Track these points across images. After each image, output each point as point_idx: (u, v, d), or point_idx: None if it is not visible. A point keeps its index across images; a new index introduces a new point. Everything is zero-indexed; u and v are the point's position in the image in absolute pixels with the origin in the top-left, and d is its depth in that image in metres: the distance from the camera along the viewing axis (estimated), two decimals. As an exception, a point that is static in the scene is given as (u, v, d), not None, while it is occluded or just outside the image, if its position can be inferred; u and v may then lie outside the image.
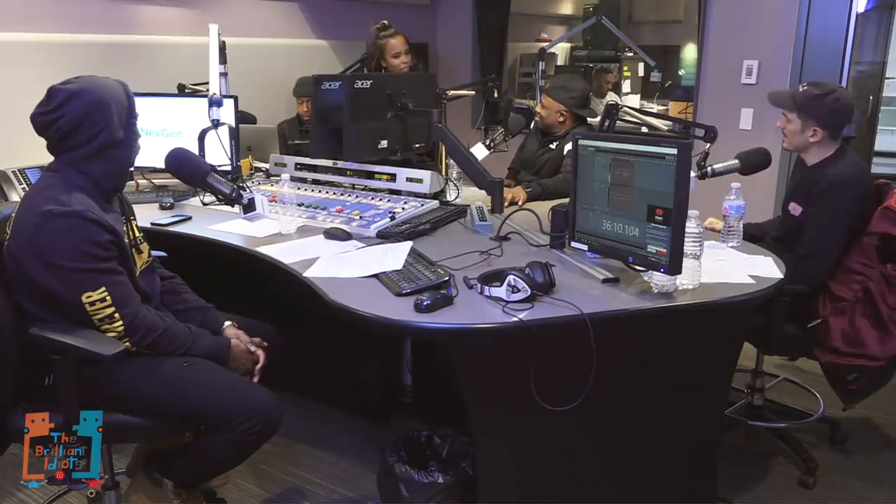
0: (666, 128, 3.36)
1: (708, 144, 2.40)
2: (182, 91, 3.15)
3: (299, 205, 2.47)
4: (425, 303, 1.59)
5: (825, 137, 2.26)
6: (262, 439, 1.74)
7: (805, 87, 2.27)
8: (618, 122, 2.50)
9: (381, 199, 2.54)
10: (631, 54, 5.34)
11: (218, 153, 2.53)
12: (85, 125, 1.64)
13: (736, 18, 3.83)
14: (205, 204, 2.67)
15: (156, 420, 1.72)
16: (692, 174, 1.85)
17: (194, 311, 1.95)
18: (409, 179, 2.57)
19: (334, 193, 2.65)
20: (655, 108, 5.01)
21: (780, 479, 2.36)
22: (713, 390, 1.97)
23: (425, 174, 2.55)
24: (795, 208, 2.33)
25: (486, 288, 1.67)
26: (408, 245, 2.03)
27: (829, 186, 2.20)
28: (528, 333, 1.56)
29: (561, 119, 3.09)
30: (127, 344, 1.65)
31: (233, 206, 2.21)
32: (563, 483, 1.88)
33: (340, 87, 2.54)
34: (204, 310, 1.96)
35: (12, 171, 2.63)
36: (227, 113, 2.62)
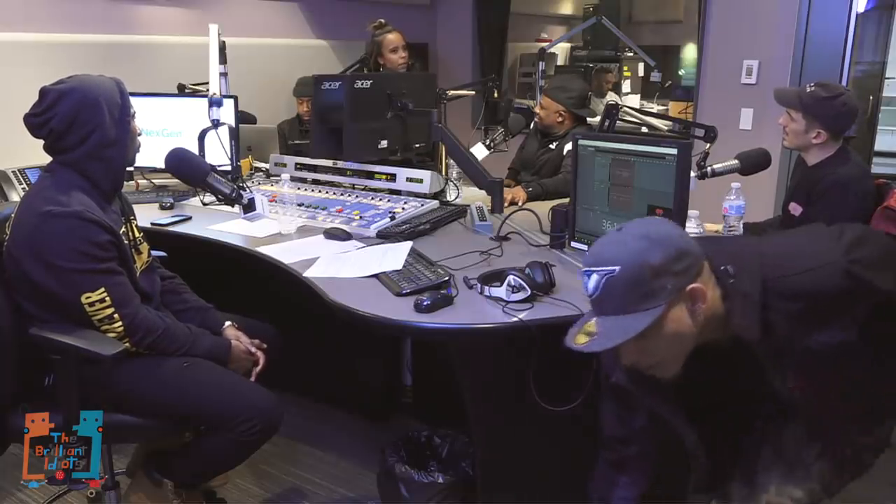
0: (666, 128, 3.36)
1: (708, 144, 2.40)
2: (182, 91, 3.15)
3: (299, 205, 2.47)
4: (425, 303, 1.59)
5: (828, 139, 2.26)
6: (262, 439, 1.74)
7: (812, 88, 2.25)
8: (618, 122, 2.50)
9: (381, 199, 2.54)
10: (631, 54, 5.34)
11: (218, 153, 2.53)
12: (77, 125, 1.64)
13: (736, 18, 3.83)
14: (205, 204, 2.67)
15: (156, 420, 1.72)
16: (692, 174, 1.85)
17: (194, 311, 1.95)
18: (409, 179, 2.57)
19: (334, 193, 2.65)
20: (655, 108, 5.01)
21: (780, 479, 2.36)
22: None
23: (425, 174, 2.55)
24: (796, 208, 2.33)
25: (486, 288, 1.67)
26: (408, 245, 2.03)
27: (831, 186, 2.20)
28: (528, 333, 1.56)
29: (560, 119, 3.09)
30: (127, 344, 1.65)
31: (233, 206, 2.21)
32: (562, 483, 1.88)
33: (340, 87, 2.54)
34: (204, 310, 1.96)
35: (12, 171, 2.63)
36: (227, 113, 2.63)
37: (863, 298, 1.13)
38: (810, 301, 1.13)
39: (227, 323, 1.94)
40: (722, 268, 1.17)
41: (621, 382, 1.33)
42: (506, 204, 2.48)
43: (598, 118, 2.68)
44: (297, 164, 2.86)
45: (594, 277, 1.14)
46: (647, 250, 1.11)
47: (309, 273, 1.87)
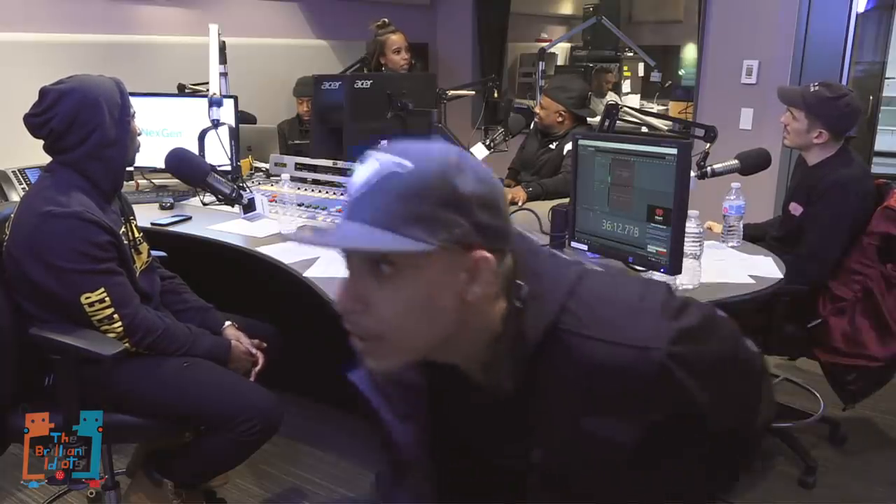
0: (666, 128, 3.36)
1: (708, 144, 2.40)
2: (182, 91, 3.15)
3: (299, 205, 2.47)
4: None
5: (829, 139, 2.26)
6: (262, 439, 1.74)
7: (816, 88, 2.25)
8: (618, 122, 2.50)
9: (381, 199, 2.53)
10: (631, 54, 5.33)
11: (218, 153, 2.52)
12: (77, 125, 1.64)
13: (736, 18, 3.83)
14: (205, 204, 2.67)
15: (156, 420, 1.72)
16: (692, 174, 1.85)
17: (194, 311, 1.95)
18: (409, 179, 2.56)
19: (334, 193, 2.64)
20: (655, 108, 5.01)
21: (780, 479, 2.36)
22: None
23: (425, 174, 2.54)
24: (796, 208, 2.33)
25: (486, 288, 1.66)
26: (408, 245, 2.02)
27: (831, 187, 2.20)
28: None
29: (560, 119, 3.09)
30: (126, 344, 1.65)
31: (233, 206, 2.21)
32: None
33: (340, 87, 2.54)
34: (204, 310, 1.96)
35: (12, 171, 2.63)
36: (227, 113, 2.62)
37: (667, 403, 0.84)
38: (602, 380, 0.81)
39: (227, 323, 1.94)
40: (518, 281, 0.84)
41: (358, 384, 1.03)
42: (506, 204, 2.47)
43: (598, 118, 2.68)
44: (297, 164, 2.86)
45: (371, 167, 0.78)
46: (460, 171, 0.78)
47: (309, 273, 1.87)
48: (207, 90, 2.64)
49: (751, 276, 1.86)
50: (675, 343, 0.81)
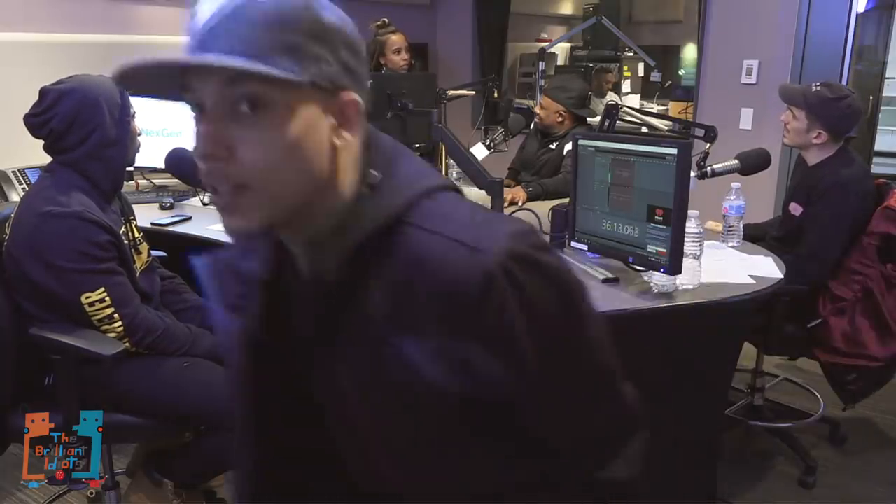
0: (666, 128, 3.36)
1: (708, 144, 2.40)
2: (182, 91, 3.15)
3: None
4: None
5: (828, 140, 2.26)
6: (262, 439, 1.74)
7: (818, 88, 2.24)
8: (618, 122, 2.50)
9: (381, 199, 2.52)
10: (631, 54, 5.33)
11: (218, 153, 2.52)
12: (77, 125, 1.64)
13: (736, 18, 3.83)
14: (205, 204, 2.66)
15: (156, 420, 1.72)
16: (692, 174, 1.85)
17: (194, 310, 1.95)
18: (409, 179, 2.56)
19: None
20: (655, 108, 5.01)
21: (780, 479, 2.36)
22: (713, 390, 1.97)
23: (425, 174, 2.54)
24: (796, 208, 2.33)
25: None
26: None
27: (831, 187, 2.20)
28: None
29: (560, 119, 3.09)
30: (126, 344, 1.65)
31: (233, 206, 2.21)
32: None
33: (340, 87, 2.54)
34: (204, 309, 1.96)
35: (12, 171, 2.63)
36: (227, 113, 2.62)
37: (484, 333, 0.69)
38: (422, 277, 0.70)
39: (228, 322, 1.94)
40: (372, 171, 0.75)
41: (198, 269, 0.90)
42: (506, 204, 2.47)
43: (598, 118, 2.68)
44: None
45: None
46: (323, 6, 0.71)
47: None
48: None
49: (751, 276, 1.86)
50: (513, 259, 0.68)
